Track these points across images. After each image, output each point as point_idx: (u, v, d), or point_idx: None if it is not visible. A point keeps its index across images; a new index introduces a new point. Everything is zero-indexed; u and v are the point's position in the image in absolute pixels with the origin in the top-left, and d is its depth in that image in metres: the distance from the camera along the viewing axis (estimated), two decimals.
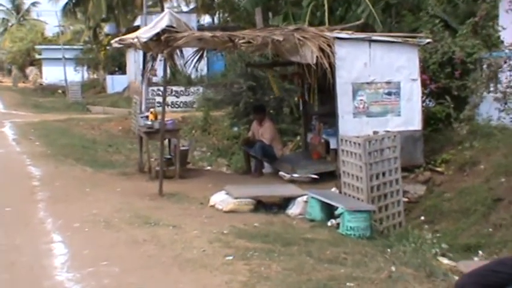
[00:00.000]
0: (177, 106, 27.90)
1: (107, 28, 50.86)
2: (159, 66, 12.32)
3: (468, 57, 12.31)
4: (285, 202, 9.46)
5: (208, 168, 16.07)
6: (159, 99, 22.28)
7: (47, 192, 10.43)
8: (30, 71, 65.81)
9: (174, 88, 27.78)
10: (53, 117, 25.38)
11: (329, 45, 10.35)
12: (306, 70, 10.59)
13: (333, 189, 10.40)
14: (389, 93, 11.06)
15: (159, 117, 11.56)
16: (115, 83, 41.68)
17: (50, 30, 67.35)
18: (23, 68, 67.05)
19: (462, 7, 17.86)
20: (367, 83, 10.95)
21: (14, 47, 63.90)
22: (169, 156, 12.53)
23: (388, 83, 11.04)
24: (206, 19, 44.35)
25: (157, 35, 10.02)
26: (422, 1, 16.06)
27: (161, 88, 24.88)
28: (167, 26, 9.94)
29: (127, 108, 26.99)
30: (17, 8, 71.08)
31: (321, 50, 10.19)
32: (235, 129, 20.25)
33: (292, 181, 11.28)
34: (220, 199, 9.43)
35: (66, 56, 46.18)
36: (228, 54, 21.52)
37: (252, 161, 13.01)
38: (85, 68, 52.40)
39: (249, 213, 9.05)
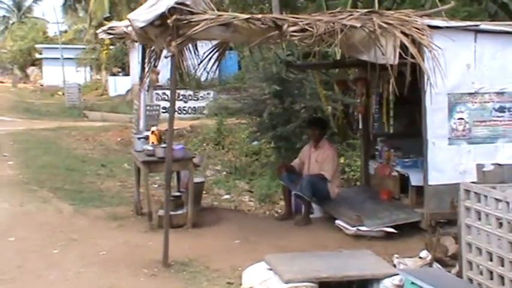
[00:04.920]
0: (184, 112, 25.36)
1: None
2: (164, 67, 8.26)
3: None
4: (361, 282, 5.99)
5: (227, 197, 12.53)
6: (165, 104, 18.69)
7: None
8: (32, 71, 63.32)
9: (182, 92, 24.90)
10: (42, 125, 21.77)
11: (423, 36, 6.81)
12: (378, 73, 7.05)
13: (423, 254, 6.92)
14: (501, 109, 7.54)
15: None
16: (118, 85, 38.65)
17: (53, 29, 64.30)
18: (24, 68, 64.27)
19: None
20: (470, 94, 7.46)
21: (15, 46, 60.81)
22: (178, 194, 8.92)
23: (501, 93, 7.51)
24: None
25: (162, 17, 6.43)
26: None
27: (167, 92, 21.80)
28: (177, 4, 6.29)
29: (128, 114, 23.68)
30: (18, 6, 68.32)
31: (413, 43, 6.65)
32: (255, 143, 16.77)
33: (357, 236, 7.77)
34: (260, 279, 5.89)
35: (68, 56, 43.58)
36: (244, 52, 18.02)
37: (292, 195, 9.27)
38: (87, 68, 49.23)
39: None
